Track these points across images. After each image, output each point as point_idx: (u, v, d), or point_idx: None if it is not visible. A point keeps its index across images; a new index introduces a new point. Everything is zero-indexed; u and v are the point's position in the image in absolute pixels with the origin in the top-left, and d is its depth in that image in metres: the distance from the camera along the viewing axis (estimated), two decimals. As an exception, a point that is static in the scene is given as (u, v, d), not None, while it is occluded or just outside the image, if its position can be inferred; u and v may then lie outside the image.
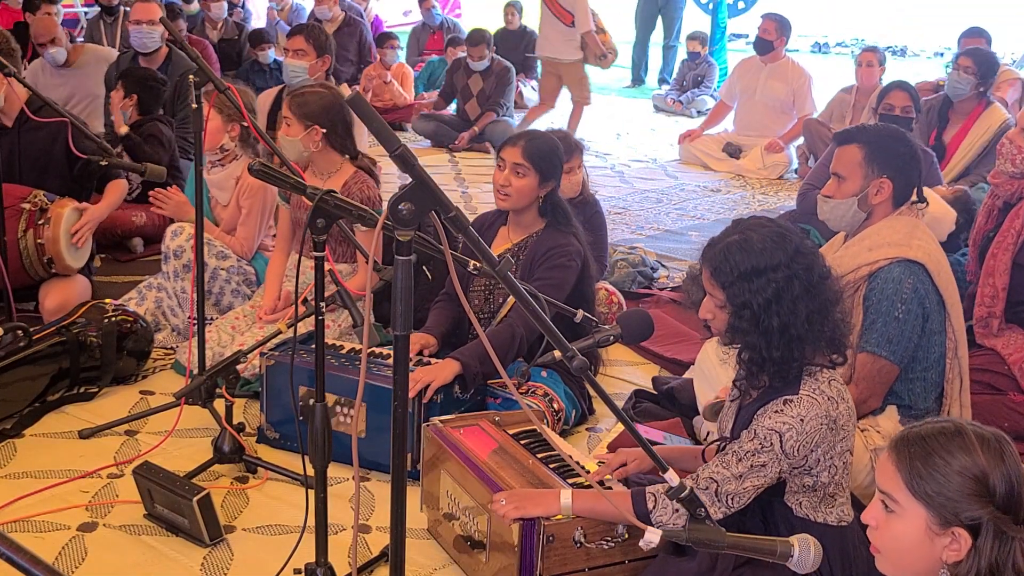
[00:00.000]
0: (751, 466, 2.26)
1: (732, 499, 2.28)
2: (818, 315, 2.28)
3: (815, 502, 2.35)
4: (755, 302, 2.26)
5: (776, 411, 2.26)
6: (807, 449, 2.26)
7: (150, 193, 4.26)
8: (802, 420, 2.24)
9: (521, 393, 3.34)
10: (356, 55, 10.08)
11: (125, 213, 5.14)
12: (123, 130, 5.11)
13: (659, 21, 12.24)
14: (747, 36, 13.49)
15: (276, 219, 4.17)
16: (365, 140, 5.52)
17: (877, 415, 3.02)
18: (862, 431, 2.94)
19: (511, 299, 3.46)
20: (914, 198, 3.10)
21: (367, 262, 2.89)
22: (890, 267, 2.96)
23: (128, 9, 7.32)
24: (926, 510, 1.62)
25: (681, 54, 11.71)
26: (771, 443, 2.24)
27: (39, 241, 4.03)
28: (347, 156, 3.91)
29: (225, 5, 10.31)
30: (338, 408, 3.16)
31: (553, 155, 3.47)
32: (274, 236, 4.18)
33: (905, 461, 1.64)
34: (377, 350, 3.36)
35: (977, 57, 5.79)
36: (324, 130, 3.80)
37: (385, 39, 9.65)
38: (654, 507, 2.29)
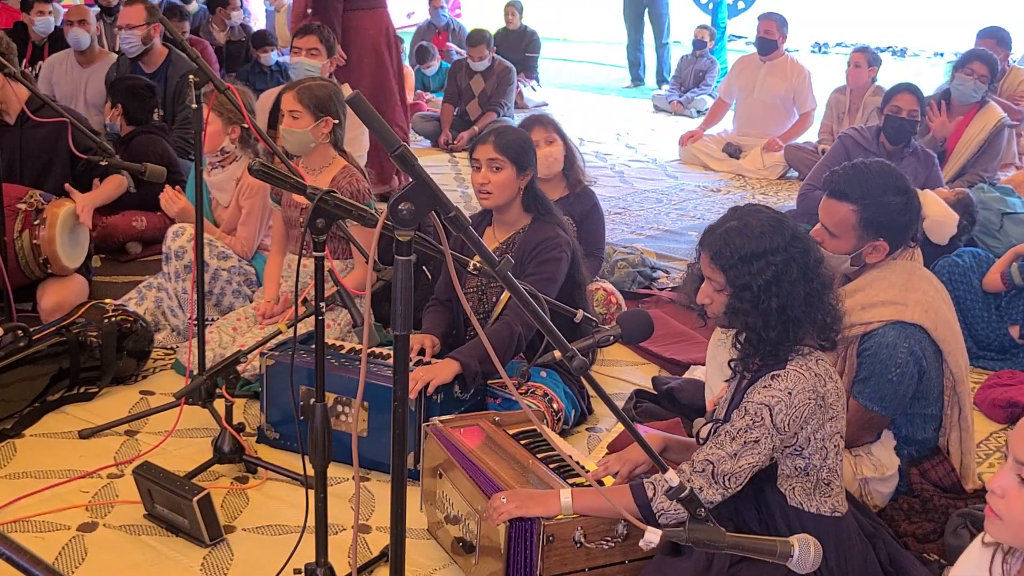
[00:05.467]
0: (744, 443, 2.29)
1: (728, 479, 2.30)
2: (815, 298, 2.33)
3: (808, 488, 2.37)
4: (755, 284, 2.30)
5: (764, 386, 2.30)
6: (797, 424, 2.29)
7: (163, 194, 4.26)
8: (790, 393, 2.28)
9: (521, 393, 3.34)
10: None
11: (125, 219, 5.14)
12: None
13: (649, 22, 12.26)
14: (746, 37, 13.51)
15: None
16: (365, 140, 5.53)
17: (872, 442, 2.95)
18: (854, 456, 2.90)
19: (504, 297, 3.46)
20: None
21: (367, 262, 2.90)
22: (884, 330, 2.81)
23: (128, 9, 7.32)
24: None
25: (680, 51, 11.72)
26: (762, 417, 2.28)
27: (35, 242, 4.03)
28: (339, 151, 3.93)
29: (241, 13, 10.35)
30: (339, 407, 3.16)
31: (525, 143, 3.50)
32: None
33: None
34: (377, 350, 3.37)
35: (989, 63, 5.81)
36: (336, 121, 3.82)
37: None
38: (653, 495, 2.31)
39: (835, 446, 2.37)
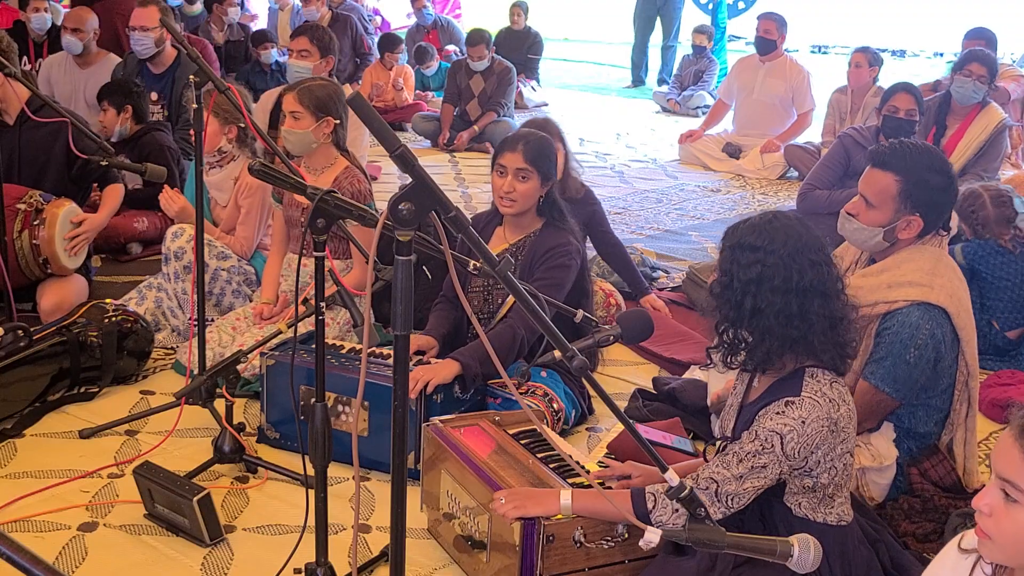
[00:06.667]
0: (751, 467, 2.26)
1: (732, 499, 2.28)
2: (798, 319, 2.27)
3: (814, 503, 2.35)
4: (737, 276, 2.30)
5: (778, 412, 2.26)
6: (807, 451, 2.26)
7: (162, 194, 4.26)
8: (803, 422, 2.24)
9: (521, 393, 3.34)
10: (351, 50, 10.11)
11: (127, 220, 5.14)
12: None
13: (658, 22, 12.27)
14: (745, 38, 13.52)
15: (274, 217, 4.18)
16: (366, 140, 5.53)
17: (872, 432, 2.96)
18: None
19: (510, 299, 3.46)
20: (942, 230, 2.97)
21: (367, 262, 2.91)
22: (909, 310, 2.82)
23: (127, 10, 7.32)
24: None
25: (682, 51, 11.74)
26: (772, 445, 2.25)
27: (34, 242, 4.03)
28: (342, 151, 3.93)
29: (239, 10, 10.35)
30: (340, 407, 3.16)
31: (550, 152, 3.51)
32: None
33: None
34: (377, 350, 3.37)
35: (989, 64, 5.81)
36: (337, 121, 3.82)
37: (393, 44, 9.66)
38: (654, 506, 2.29)
39: (844, 464, 2.34)
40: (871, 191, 2.89)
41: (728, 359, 2.37)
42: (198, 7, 10.49)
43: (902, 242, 2.91)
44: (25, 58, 7.44)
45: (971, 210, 4.19)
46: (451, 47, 11.30)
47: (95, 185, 4.59)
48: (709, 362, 2.45)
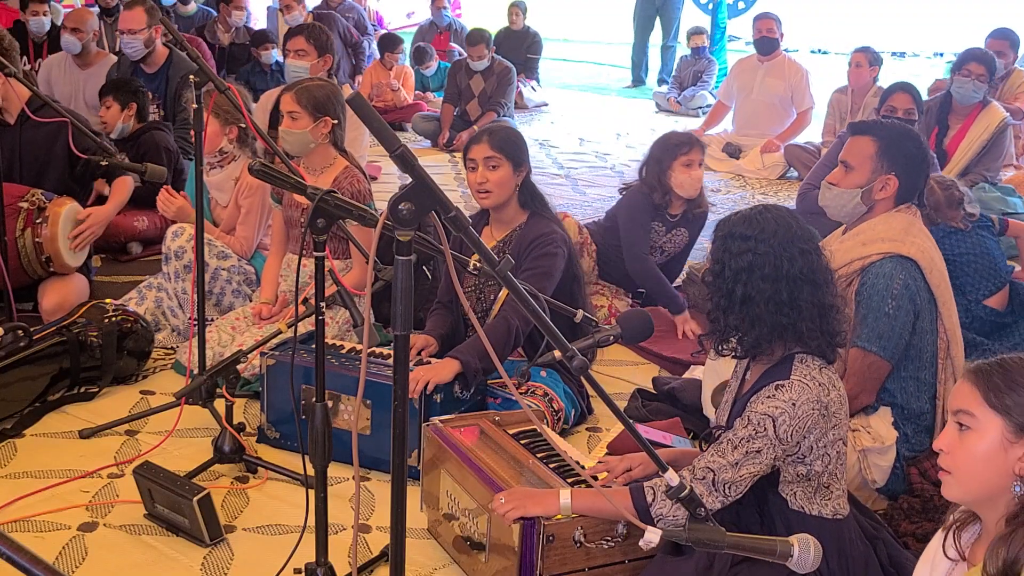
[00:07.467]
0: (746, 452, 2.28)
1: (729, 488, 2.29)
2: (787, 307, 2.30)
3: (809, 493, 2.36)
4: (728, 264, 2.34)
5: (768, 396, 2.29)
6: (800, 434, 2.28)
7: (159, 195, 4.25)
8: (794, 404, 2.26)
9: (521, 393, 3.35)
10: (342, 46, 10.11)
11: (127, 218, 5.14)
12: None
13: (657, 22, 12.27)
14: (744, 38, 13.50)
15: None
16: (366, 140, 5.52)
17: (870, 415, 3.02)
18: (853, 431, 2.94)
19: (502, 295, 3.47)
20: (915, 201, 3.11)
21: (367, 262, 2.90)
22: (882, 262, 2.97)
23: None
24: (1003, 420, 1.71)
25: (681, 52, 11.74)
26: (764, 428, 2.26)
27: (37, 240, 4.03)
28: (340, 151, 3.93)
29: (247, 13, 10.35)
30: (340, 405, 3.16)
31: (518, 139, 3.53)
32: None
33: (983, 379, 1.74)
34: (377, 350, 3.37)
35: (987, 62, 5.82)
36: (335, 121, 3.82)
37: (393, 44, 9.65)
38: (653, 500, 2.30)
39: (837, 452, 2.36)
40: (850, 154, 3.09)
41: (720, 346, 2.41)
42: (192, 7, 10.49)
43: (879, 206, 3.06)
44: (25, 58, 7.44)
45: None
46: (452, 45, 11.30)
47: (102, 180, 4.58)
48: (701, 349, 2.50)
